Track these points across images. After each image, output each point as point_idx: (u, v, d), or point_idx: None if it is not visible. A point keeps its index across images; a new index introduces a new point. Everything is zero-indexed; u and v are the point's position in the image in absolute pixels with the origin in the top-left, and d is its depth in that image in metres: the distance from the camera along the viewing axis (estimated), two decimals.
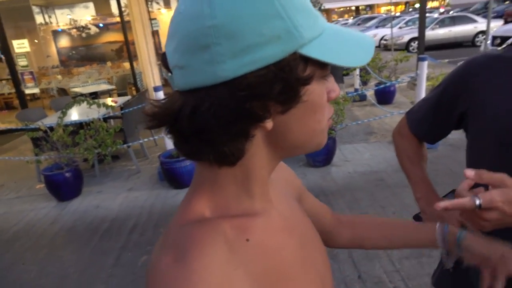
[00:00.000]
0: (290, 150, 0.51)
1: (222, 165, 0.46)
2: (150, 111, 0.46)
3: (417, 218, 1.08)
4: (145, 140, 4.80)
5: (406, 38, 14.52)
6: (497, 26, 11.37)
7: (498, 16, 14.40)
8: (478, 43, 13.03)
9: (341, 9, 44.85)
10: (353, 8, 44.56)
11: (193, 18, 0.41)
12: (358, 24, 22.74)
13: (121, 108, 4.55)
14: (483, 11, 16.90)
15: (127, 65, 8.68)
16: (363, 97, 6.76)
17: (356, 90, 6.86)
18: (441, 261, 1.05)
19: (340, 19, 34.41)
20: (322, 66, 0.45)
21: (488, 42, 8.10)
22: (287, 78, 0.42)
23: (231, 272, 0.42)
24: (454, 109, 0.95)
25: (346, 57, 0.46)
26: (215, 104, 0.41)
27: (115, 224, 3.40)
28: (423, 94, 4.25)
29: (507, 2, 15.42)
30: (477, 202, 0.60)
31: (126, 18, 7.19)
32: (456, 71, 0.97)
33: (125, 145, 4.40)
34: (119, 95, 7.81)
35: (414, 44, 13.34)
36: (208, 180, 0.49)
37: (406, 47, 14.03)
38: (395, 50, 12.21)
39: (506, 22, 12.56)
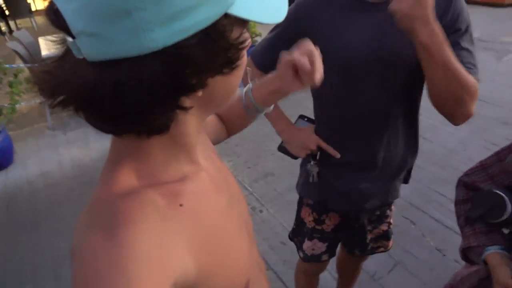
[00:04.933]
0: (214, 110, 0.51)
1: (152, 136, 0.43)
2: (45, 80, 0.37)
3: (281, 148, 1.26)
4: None
5: None
6: None
7: None
8: None
9: None
10: None
11: None
12: None
13: None
14: None
15: None
16: None
17: None
18: (303, 173, 1.28)
19: None
20: (244, 22, 0.42)
21: None
22: (225, 46, 0.40)
23: (167, 244, 0.40)
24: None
25: (270, 12, 0.45)
26: (144, 79, 0.36)
27: None
28: None
29: None
30: None
31: None
32: (289, 13, 1.10)
33: None
34: None
35: None
36: (131, 149, 0.45)
37: None
38: None
39: None
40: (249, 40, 0.46)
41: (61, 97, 0.38)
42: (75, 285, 0.36)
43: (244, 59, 0.46)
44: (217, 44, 0.39)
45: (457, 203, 1.04)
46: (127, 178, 0.44)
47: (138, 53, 0.35)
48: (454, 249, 2.07)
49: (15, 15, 8.69)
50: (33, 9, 9.64)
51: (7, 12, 8.66)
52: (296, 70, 0.67)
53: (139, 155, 0.45)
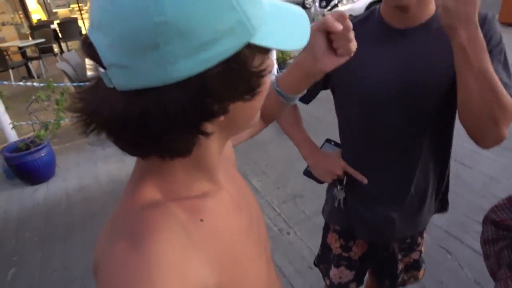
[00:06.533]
0: (236, 132, 0.52)
1: (175, 158, 0.45)
2: (79, 108, 0.40)
3: (307, 172, 1.25)
4: None
5: None
6: None
7: None
8: (307, 5, 14.61)
9: None
10: None
11: (135, 13, 0.35)
12: None
13: None
14: None
15: None
16: None
17: None
18: (329, 199, 1.25)
19: None
20: (266, 50, 0.44)
21: (317, 4, 9.19)
22: (246, 75, 0.41)
23: (189, 255, 0.41)
24: None
25: (291, 39, 0.46)
26: (169, 107, 0.38)
27: None
28: None
29: None
30: None
31: None
32: None
33: None
34: None
35: None
36: (155, 168, 0.47)
37: None
38: None
39: None
40: (272, 66, 0.47)
41: (93, 125, 0.41)
42: None
43: (266, 85, 0.47)
44: (238, 73, 0.40)
45: (486, 242, 0.97)
46: (150, 192, 0.46)
47: (163, 83, 0.37)
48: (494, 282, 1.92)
49: (66, 37, 9.36)
50: (83, 32, 10.34)
51: (60, 35, 9.34)
52: (329, 39, 0.62)
53: (162, 173, 0.47)
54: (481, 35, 0.75)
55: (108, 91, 0.39)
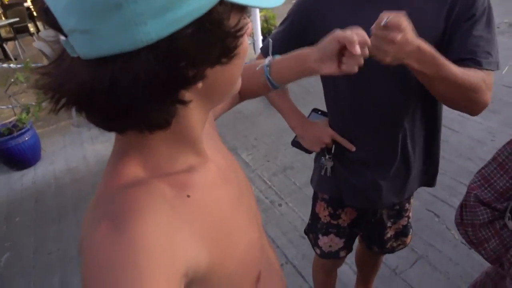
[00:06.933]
0: (217, 101, 0.49)
1: (154, 132, 0.42)
2: (43, 84, 0.37)
3: (295, 143, 1.24)
4: None
5: None
6: None
7: None
8: None
9: None
10: None
11: None
12: None
13: None
14: None
15: None
16: None
17: None
18: (317, 168, 1.25)
19: None
20: (241, 8, 0.41)
21: None
22: (221, 35, 0.38)
23: (176, 233, 0.40)
24: (304, 39, 1.05)
25: None
26: (140, 74, 0.35)
27: None
28: None
29: None
30: (385, 20, 0.70)
31: None
32: (298, 4, 1.06)
33: None
34: None
35: None
36: (135, 144, 0.45)
37: None
38: None
39: None
40: (249, 26, 0.44)
41: (63, 100, 0.38)
42: (84, 278, 0.36)
43: (244, 46, 0.44)
44: (212, 33, 0.38)
45: (482, 225, 0.91)
46: (132, 170, 0.44)
47: (131, 48, 0.34)
48: None
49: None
50: None
51: (35, 13, 8.95)
52: (341, 50, 0.64)
53: (143, 149, 0.45)
54: (426, 49, 0.76)
55: (74, 62, 0.36)
